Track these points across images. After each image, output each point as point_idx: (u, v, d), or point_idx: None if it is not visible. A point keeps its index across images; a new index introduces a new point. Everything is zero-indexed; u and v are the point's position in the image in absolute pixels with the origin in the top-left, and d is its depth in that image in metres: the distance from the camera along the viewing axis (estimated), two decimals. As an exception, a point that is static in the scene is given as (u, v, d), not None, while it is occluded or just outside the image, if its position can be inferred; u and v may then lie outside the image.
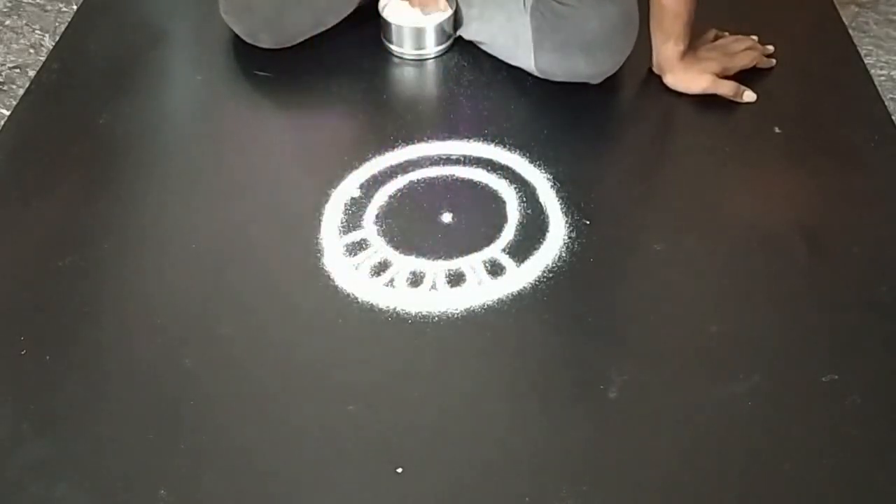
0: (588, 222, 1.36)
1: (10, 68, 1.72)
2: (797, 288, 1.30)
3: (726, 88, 1.53)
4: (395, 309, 1.26)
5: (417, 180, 1.43)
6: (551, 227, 1.36)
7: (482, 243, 1.34)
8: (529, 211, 1.39)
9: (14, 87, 1.67)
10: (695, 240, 1.36)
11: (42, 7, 1.87)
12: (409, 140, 1.48)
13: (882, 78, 1.67)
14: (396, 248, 1.34)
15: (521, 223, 1.37)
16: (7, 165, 1.48)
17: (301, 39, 1.60)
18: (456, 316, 1.26)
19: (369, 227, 1.37)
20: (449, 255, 1.33)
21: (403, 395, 1.18)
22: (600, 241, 1.34)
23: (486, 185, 1.43)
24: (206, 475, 1.11)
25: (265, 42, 1.60)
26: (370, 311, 1.26)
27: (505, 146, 1.47)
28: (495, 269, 1.31)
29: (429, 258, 1.33)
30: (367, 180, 1.43)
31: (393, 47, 1.64)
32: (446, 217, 1.38)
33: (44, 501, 1.09)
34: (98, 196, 1.42)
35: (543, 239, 1.35)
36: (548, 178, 1.43)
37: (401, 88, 1.62)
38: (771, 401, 1.17)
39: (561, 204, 1.39)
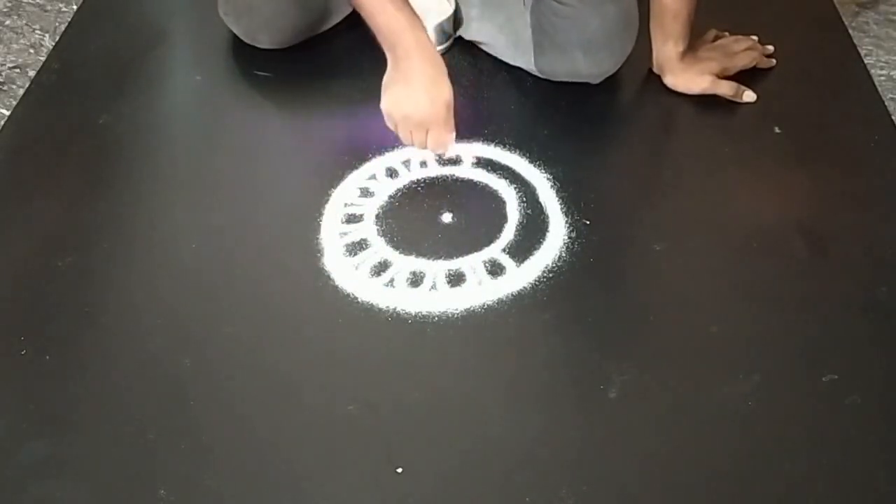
0: (588, 222, 1.36)
1: (10, 68, 1.72)
2: (797, 288, 1.30)
3: (726, 88, 1.53)
4: (395, 309, 1.26)
5: (417, 180, 1.43)
6: (551, 227, 1.36)
7: (482, 243, 1.34)
8: (529, 211, 1.38)
9: (14, 87, 1.67)
10: (695, 240, 1.36)
11: (42, 7, 1.86)
12: (409, 140, 1.48)
13: (882, 78, 1.66)
14: (396, 248, 1.34)
15: (521, 223, 1.37)
16: (7, 165, 1.48)
17: (301, 39, 1.60)
18: (456, 316, 1.26)
19: (369, 227, 1.37)
20: (449, 255, 1.33)
21: (403, 395, 1.18)
22: (600, 241, 1.34)
23: (486, 185, 1.42)
24: (206, 475, 1.11)
25: (264, 42, 1.60)
26: (370, 311, 1.26)
27: (505, 146, 1.47)
28: (495, 269, 1.31)
29: (429, 258, 1.33)
30: (368, 180, 1.43)
31: (393, 47, 1.63)
32: (446, 217, 1.38)
33: (44, 501, 1.09)
34: (98, 196, 1.42)
35: (543, 239, 1.35)
36: (548, 178, 1.43)
37: (401, 88, 1.62)
38: (771, 401, 1.17)
39: (561, 204, 1.39)
